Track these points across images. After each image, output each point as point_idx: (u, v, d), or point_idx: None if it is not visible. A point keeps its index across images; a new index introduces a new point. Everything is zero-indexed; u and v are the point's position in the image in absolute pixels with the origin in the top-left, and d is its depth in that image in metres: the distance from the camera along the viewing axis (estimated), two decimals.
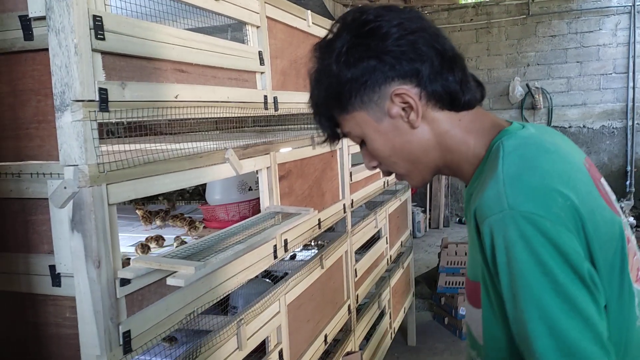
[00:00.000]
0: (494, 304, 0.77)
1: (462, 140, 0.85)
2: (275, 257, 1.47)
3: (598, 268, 0.72)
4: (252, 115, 1.44)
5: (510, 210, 0.70)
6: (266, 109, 1.47)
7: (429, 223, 6.96)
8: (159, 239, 1.47)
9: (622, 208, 5.92)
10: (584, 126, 6.56)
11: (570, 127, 6.60)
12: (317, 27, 1.87)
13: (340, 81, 0.82)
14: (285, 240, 1.53)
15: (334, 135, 0.91)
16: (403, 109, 0.82)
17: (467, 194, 0.88)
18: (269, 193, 1.49)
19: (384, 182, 2.76)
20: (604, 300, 0.72)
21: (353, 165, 2.26)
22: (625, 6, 6.23)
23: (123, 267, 1.19)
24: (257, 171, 1.47)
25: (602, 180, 0.87)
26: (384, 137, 0.85)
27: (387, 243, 2.81)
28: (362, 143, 0.89)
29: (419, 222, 6.50)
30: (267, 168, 1.48)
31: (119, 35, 0.93)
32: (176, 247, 1.32)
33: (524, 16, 6.65)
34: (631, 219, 5.91)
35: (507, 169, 0.74)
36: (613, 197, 0.86)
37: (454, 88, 0.81)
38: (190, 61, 1.14)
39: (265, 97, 1.47)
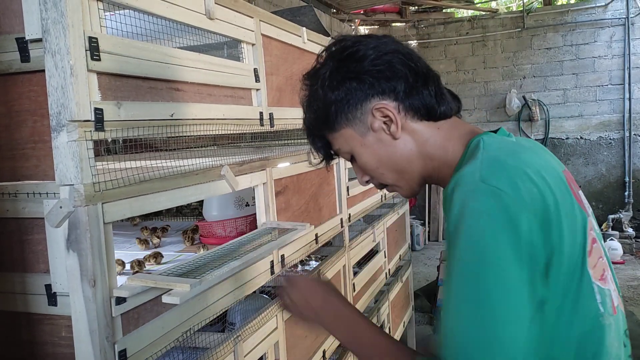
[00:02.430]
0: None
1: (441, 147, 0.91)
2: (272, 272, 1.47)
3: (561, 259, 0.75)
4: (248, 132, 1.45)
5: (482, 183, 0.75)
6: (262, 125, 1.48)
7: (428, 236, 6.96)
8: (157, 256, 1.47)
9: (620, 219, 5.92)
10: (581, 137, 6.59)
11: (567, 138, 6.62)
12: (312, 44, 1.89)
13: (326, 103, 0.90)
14: (282, 256, 1.54)
15: (327, 155, 1.00)
16: (384, 122, 0.89)
17: (445, 192, 0.90)
18: (266, 209, 1.50)
19: (382, 196, 2.77)
20: (543, 293, 0.74)
21: (350, 179, 2.26)
22: (619, 18, 6.30)
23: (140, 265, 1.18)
24: (253, 187, 1.47)
25: (580, 192, 0.88)
26: (370, 149, 0.92)
27: (385, 257, 2.81)
28: (353, 159, 0.96)
29: (418, 235, 6.50)
30: (264, 184, 1.49)
31: (115, 56, 0.94)
32: (133, 272, 1.30)
33: (519, 29, 6.71)
34: (630, 230, 5.91)
35: (487, 154, 0.80)
36: (589, 210, 0.87)
37: (429, 101, 0.89)
38: (185, 80, 1.15)
39: (261, 113, 1.48)
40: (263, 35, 1.52)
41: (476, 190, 0.75)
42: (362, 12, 6.95)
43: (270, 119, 1.53)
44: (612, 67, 6.39)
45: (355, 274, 2.31)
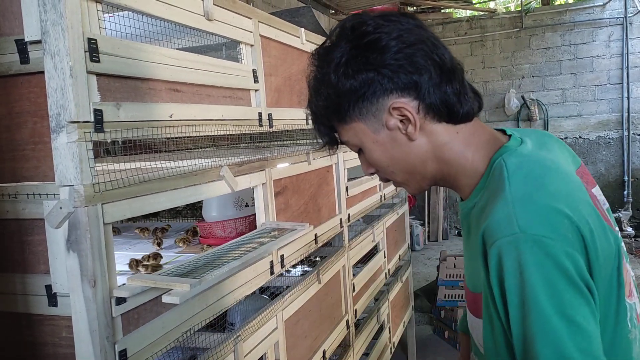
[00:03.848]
0: (493, 319, 0.77)
1: (460, 153, 0.85)
2: (272, 273, 1.47)
3: (597, 286, 0.73)
4: (247, 132, 1.45)
5: (522, 234, 0.71)
6: (261, 126, 1.49)
7: (428, 236, 6.96)
8: (156, 257, 1.47)
9: (620, 218, 5.93)
10: (580, 137, 6.60)
11: (566, 137, 6.63)
12: (311, 44, 1.90)
13: (338, 92, 0.83)
14: (282, 256, 1.54)
15: (332, 141, 0.92)
16: (401, 121, 0.82)
17: (465, 207, 0.88)
18: (265, 209, 1.50)
19: (381, 196, 2.77)
20: (599, 317, 0.73)
21: (349, 179, 2.27)
22: (617, 18, 6.30)
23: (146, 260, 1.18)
24: (252, 188, 1.48)
25: (596, 189, 0.87)
26: (382, 147, 0.86)
27: (385, 257, 2.81)
28: (360, 151, 0.90)
29: (417, 235, 6.49)
30: (263, 184, 1.49)
31: (114, 57, 0.94)
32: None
33: (518, 29, 6.72)
34: (629, 229, 5.92)
35: (515, 189, 0.75)
36: (606, 206, 0.87)
37: (452, 100, 0.82)
38: (184, 80, 1.16)
39: (260, 114, 1.48)
40: (261, 36, 1.52)
41: (519, 243, 0.71)
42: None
43: (269, 119, 1.53)
44: (610, 67, 6.40)
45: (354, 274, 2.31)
